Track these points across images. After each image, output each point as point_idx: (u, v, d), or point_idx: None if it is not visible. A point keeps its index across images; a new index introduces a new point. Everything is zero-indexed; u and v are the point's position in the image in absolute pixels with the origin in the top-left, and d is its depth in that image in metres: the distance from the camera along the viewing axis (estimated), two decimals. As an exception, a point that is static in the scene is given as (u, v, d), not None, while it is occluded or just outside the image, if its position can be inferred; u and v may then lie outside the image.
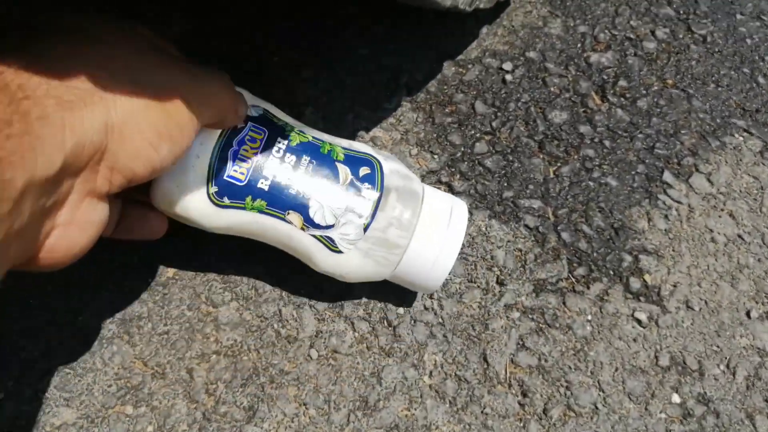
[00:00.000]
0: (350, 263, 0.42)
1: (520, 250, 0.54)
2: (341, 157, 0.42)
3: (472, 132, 0.60)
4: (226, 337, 0.48)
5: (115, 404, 0.46)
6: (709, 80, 0.67)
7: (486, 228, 0.55)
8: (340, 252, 0.42)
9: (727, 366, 0.50)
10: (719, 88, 0.66)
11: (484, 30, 0.68)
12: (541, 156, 0.59)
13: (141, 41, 0.33)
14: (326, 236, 0.41)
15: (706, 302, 0.53)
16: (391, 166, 0.44)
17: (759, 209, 0.59)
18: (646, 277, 0.53)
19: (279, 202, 0.40)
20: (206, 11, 0.63)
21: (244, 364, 0.47)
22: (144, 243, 0.50)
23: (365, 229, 0.41)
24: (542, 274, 0.53)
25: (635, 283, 0.53)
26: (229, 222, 0.41)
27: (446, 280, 0.52)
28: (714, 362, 0.50)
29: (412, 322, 0.50)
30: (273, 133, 0.41)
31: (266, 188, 0.40)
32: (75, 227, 0.30)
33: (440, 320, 0.50)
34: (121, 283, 0.50)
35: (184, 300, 0.50)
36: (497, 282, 0.52)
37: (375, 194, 0.42)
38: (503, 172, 0.58)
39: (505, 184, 0.57)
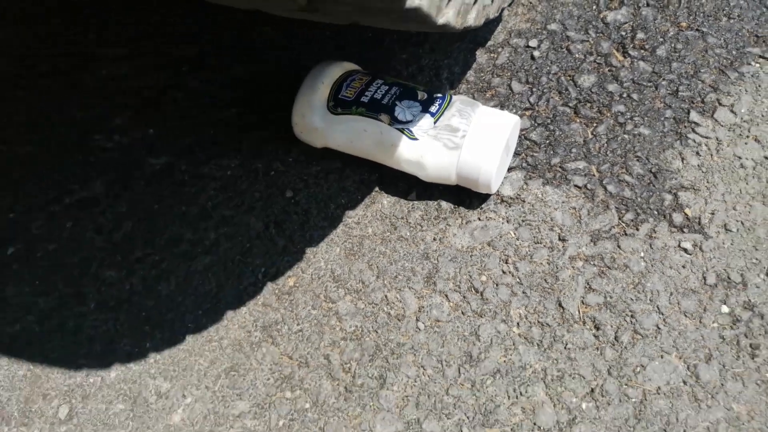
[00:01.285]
0: (424, 147, 0.59)
1: (574, 208, 0.63)
2: (421, 89, 0.62)
3: (514, 111, 0.69)
4: (349, 325, 0.60)
5: (275, 392, 0.58)
6: (720, 14, 0.73)
7: (542, 194, 0.64)
8: (416, 139, 0.59)
9: (766, 274, 0.59)
10: (731, 20, 0.72)
11: (506, 12, 0.75)
12: (578, 120, 0.68)
13: None
14: (407, 129, 0.59)
15: (742, 223, 0.61)
16: (461, 98, 0.62)
17: (781, 129, 0.66)
18: (687, 210, 0.62)
19: (374, 107, 0.61)
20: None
21: (368, 343, 0.59)
22: (265, 261, 0.62)
23: (435, 122, 0.59)
24: (596, 225, 0.62)
25: (678, 218, 0.62)
26: (340, 125, 0.61)
27: (516, 244, 0.62)
28: (755, 273, 0.59)
29: (495, 285, 0.61)
30: (374, 77, 0.63)
31: (366, 101, 0.61)
32: None
33: (518, 280, 0.60)
34: (255, 299, 0.62)
35: (307, 302, 0.62)
36: (559, 239, 0.62)
37: (443, 100, 0.60)
38: (547, 141, 0.67)
39: (552, 152, 0.66)
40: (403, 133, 0.59)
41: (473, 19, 0.54)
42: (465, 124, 0.58)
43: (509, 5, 0.71)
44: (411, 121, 0.59)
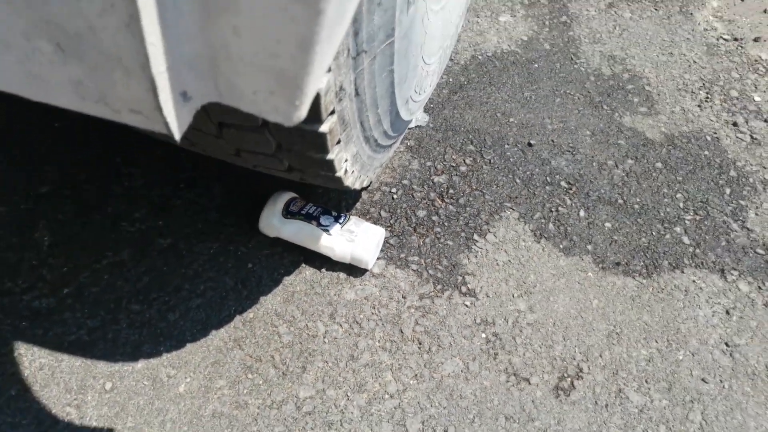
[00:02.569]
0: (335, 240, 1.09)
1: (411, 281, 1.16)
2: (333, 212, 1.11)
3: (382, 226, 1.22)
4: (285, 339, 1.06)
5: (241, 375, 1.02)
6: (492, 183, 1.33)
7: (394, 273, 1.16)
8: (331, 235, 1.09)
9: (504, 319, 1.14)
10: (498, 187, 1.33)
11: (379, 171, 1.31)
12: (416, 235, 1.22)
13: None
14: (326, 229, 1.08)
15: (495, 293, 1.17)
16: (354, 217, 1.11)
17: (519, 246, 1.25)
18: (469, 285, 1.17)
19: (309, 217, 1.10)
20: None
21: (296, 349, 1.05)
22: (235, 303, 1.08)
23: (341, 227, 1.11)
24: (422, 290, 1.15)
25: (464, 289, 1.16)
26: (290, 224, 1.11)
27: (379, 299, 1.12)
28: (501, 318, 1.14)
29: (367, 320, 1.10)
30: (307, 202, 1.12)
31: (304, 213, 1.12)
32: None
33: (380, 317, 1.11)
34: (229, 324, 1.07)
35: (261, 326, 1.07)
36: (402, 297, 1.14)
37: (345, 217, 1.12)
38: (399, 245, 1.20)
39: (400, 251, 1.20)
40: (324, 231, 1.10)
41: (363, 183, 1.08)
42: (357, 230, 1.10)
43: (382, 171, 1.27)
44: (328, 226, 1.11)
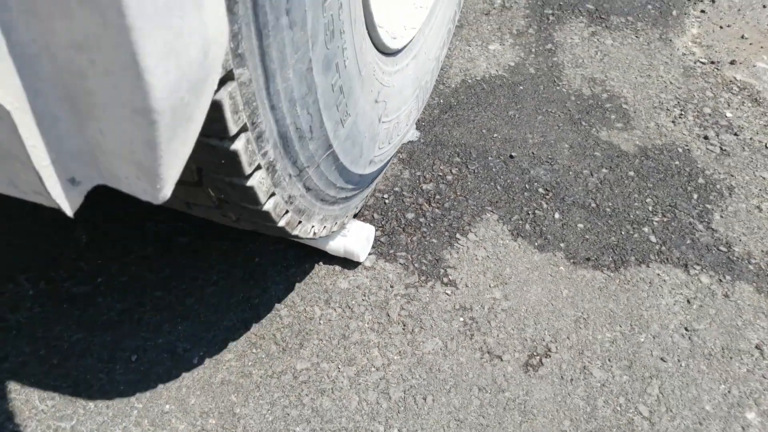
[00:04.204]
0: (332, 235, 1.22)
1: (398, 273, 1.31)
2: None
3: (373, 225, 1.38)
4: (286, 321, 1.22)
5: (247, 350, 1.17)
6: (474, 189, 1.48)
7: (383, 266, 1.32)
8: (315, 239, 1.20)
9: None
10: (480, 194, 1.48)
11: (377, 180, 1.48)
12: (404, 234, 1.38)
13: None
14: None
15: (474, 284, 1.31)
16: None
17: (497, 244, 1.39)
18: (450, 277, 1.32)
19: None
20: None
21: (295, 328, 1.21)
22: (245, 293, 1.24)
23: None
24: (408, 281, 1.30)
25: (446, 280, 1.31)
26: None
27: (369, 287, 1.28)
28: (465, 304, 1.28)
29: (358, 305, 1.25)
30: None
31: None
32: None
33: (369, 303, 1.26)
34: (247, 318, 1.23)
35: (278, 309, 1.23)
36: (390, 286, 1.29)
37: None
38: (388, 242, 1.36)
39: (389, 247, 1.35)
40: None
41: (332, 229, 1.24)
42: (349, 226, 1.26)
43: (355, 215, 1.43)
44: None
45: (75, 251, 1.31)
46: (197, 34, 0.49)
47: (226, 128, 0.66)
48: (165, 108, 0.46)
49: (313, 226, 1.03)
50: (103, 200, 1.41)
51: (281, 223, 0.90)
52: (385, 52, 1.11)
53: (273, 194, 0.84)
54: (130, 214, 1.38)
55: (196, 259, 1.31)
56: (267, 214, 0.85)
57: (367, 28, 0.99)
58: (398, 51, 1.16)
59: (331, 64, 0.84)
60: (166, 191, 0.51)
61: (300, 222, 0.97)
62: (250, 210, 0.84)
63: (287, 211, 0.91)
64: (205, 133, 0.66)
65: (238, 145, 0.70)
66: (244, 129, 0.69)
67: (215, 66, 0.54)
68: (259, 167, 0.77)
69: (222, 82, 0.62)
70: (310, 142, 0.86)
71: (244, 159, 0.72)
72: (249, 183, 0.76)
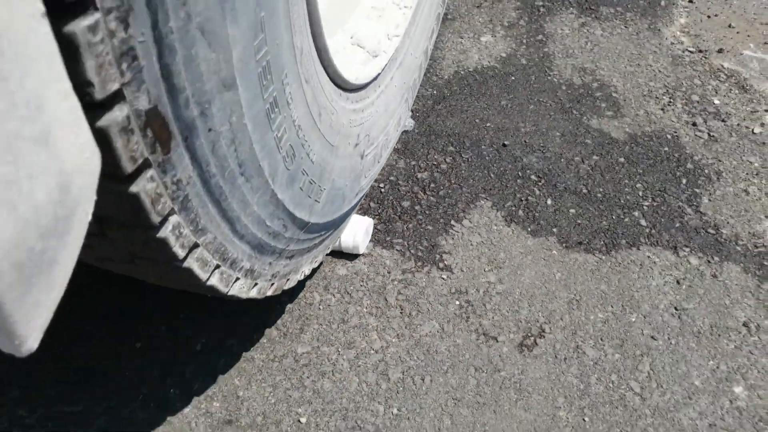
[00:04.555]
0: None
1: (395, 259, 1.34)
2: None
3: (371, 216, 1.41)
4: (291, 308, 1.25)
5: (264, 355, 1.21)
6: (470, 179, 1.52)
7: (380, 253, 1.35)
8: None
9: (476, 289, 1.31)
10: (474, 182, 1.51)
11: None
12: (400, 222, 1.41)
13: None
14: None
15: (469, 268, 1.34)
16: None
17: (492, 230, 1.42)
18: (446, 262, 1.35)
19: None
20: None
21: (295, 314, 1.24)
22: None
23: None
24: (405, 266, 1.33)
25: (441, 265, 1.34)
26: None
27: (367, 274, 1.31)
28: (474, 289, 1.31)
29: (356, 290, 1.28)
30: None
31: None
32: None
33: (367, 288, 1.29)
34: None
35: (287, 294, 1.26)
36: (387, 272, 1.32)
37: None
38: (385, 230, 1.39)
39: (386, 235, 1.38)
40: None
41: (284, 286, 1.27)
42: (349, 221, 1.30)
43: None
44: None
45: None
46: (46, 173, 0.44)
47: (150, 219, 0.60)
48: (3, 269, 0.42)
49: (270, 285, 0.97)
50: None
51: (230, 290, 0.83)
52: (363, 85, 1.08)
53: (256, 285, 0.86)
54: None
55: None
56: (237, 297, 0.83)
57: (335, 85, 0.95)
58: (378, 75, 1.14)
59: (296, 178, 0.83)
60: (30, 344, 0.47)
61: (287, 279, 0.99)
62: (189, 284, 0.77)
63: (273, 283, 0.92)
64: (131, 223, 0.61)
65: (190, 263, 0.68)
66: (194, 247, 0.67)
67: (84, 197, 0.49)
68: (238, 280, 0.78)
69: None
70: (286, 232, 0.85)
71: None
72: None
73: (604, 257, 1.38)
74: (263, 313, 1.24)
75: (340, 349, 1.20)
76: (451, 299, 1.28)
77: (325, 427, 1.10)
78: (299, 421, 1.10)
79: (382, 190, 1.48)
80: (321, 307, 1.26)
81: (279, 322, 1.23)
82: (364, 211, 1.43)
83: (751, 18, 2.10)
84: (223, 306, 1.25)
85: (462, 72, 1.83)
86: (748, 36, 2.03)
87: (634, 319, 1.27)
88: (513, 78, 1.82)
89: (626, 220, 1.45)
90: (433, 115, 1.68)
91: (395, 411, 1.12)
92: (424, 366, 1.18)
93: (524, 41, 1.95)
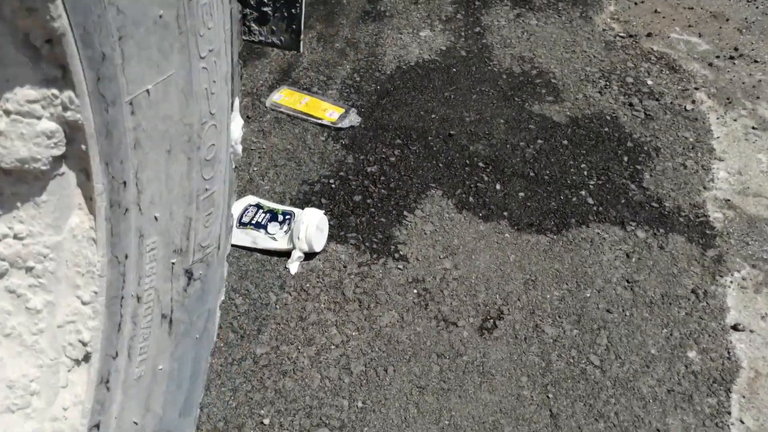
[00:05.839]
0: (280, 243, 1.24)
1: (350, 254, 1.33)
2: (280, 212, 1.25)
3: (323, 211, 1.39)
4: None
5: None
6: (419, 169, 1.52)
7: (335, 248, 1.33)
8: (276, 240, 1.23)
9: (435, 277, 1.31)
10: (423, 172, 1.51)
11: (318, 165, 1.49)
12: (352, 216, 1.40)
13: None
14: (272, 236, 1.22)
15: (424, 257, 1.34)
16: (297, 211, 1.25)
17: (444, 218, 1.43)
18: (401, 252, 1.34)
19: (257, 226, 1.24)
20: None
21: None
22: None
23: (285, 232, 1.24)
24: (361, 259, 1.32)
25: (396, 255, 1.33)
26: (242, 233, 1.24)
27: (322, 269, 1.29)
28: (430, 277, 1.30)
29: (312, 287, 1.26)
30: (259, 208, 1.22)
31: (254, 222, 1.24)
32: None
33: (323, 284, 1.27)
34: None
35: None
36: (343, 266, 1.30)
37: (291, 218, 1.26)
38: (338, 225, 1.37)
39: (340, 229, 1.37)
40: (271, 239, 1.29)
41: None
42: (300, 229, 1.26)
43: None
44: (275, 233, 1.29)
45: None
46: None
47: None
48: None
49: None
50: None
51: None
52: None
53: None
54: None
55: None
56: None
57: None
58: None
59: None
60: None
61: None
62: None
63: None
64: None
65: None
66: None
67: None
68: None
69: None
70: None
71: None
72: None
73: (555, 237, 1.40)
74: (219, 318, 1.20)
75: (300, 347, 1.17)
76: (408, 288, 1.28)
77: (289, 427, 1.07)
78: (262, 423, 1.07)
79: (332, 185, 1.46)
80: (278, 306, 1.23)
81: (235, 324, 1.19)
82: (315, 207, 1.41)
83: (674, 3, 2.19)
84: (175, 313, 1.20)
85: (404, 66, 1.83)
86: (674, 20, 2.11)
87: (589, 295, 1.30)
88: (454, 70, 1.83)
89: (574, 199, 1.48)
90: (379, 109, 1.68)
91: (360, 404, 1.10)
92: (387, 357, 1.17)
93: (463, 34, 1.98)
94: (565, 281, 1.32)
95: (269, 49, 1.89)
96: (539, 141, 1.62)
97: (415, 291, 1.27)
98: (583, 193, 1.50)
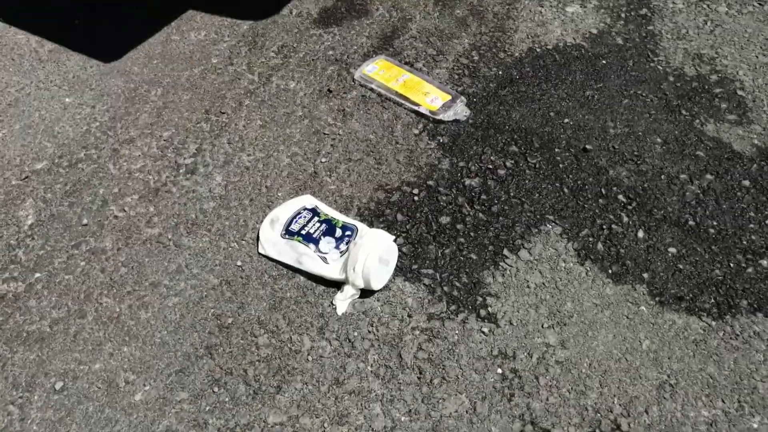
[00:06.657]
0: (332, 269, 0.95)
1: (420, 297, 0.98)
2: (340, 224, 0.97)
3: (395, 233, 1.06)
4: (263, 352, 0.92)
5: (207, 389, 0.88)
6: (535, 192, 1.13)
7: (402, 286, 0.99)
8: (327, 263, 0.94)
9: (527, 354, 0.94)
10: (540, 197, 1.13)
11: (403, 166, 1.14)
12: (434, 244, 1.05)
13: None
14: (323, 256, 0.94)
15: (519, 320, 0.97)
16: (362, 228, 0.97)
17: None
18: (489, 309, 0.98)
19: (308, 238, 0.95)
20: None
21: (273, 365, 0.90)
22: (214, 306, 0.94)
23: (341, 255, 0.95)
24: (432, 310, 0.97)
25: (482, 312, 0.97)
26: (287, 245, 0.96)
27: (380, 315, 0.96)
28: (521, 352, 0.94)
29: (362, 339, 0.94)
30: (314, 215, 0.96)
31: (304, 233, 0.95)
32: None
33: (377, 337, 0.94)
34: (204, 328, 0.93)
35: (238, 335, 0.93)
36: (408, 315, 0.96)
37: (352, 233, 0.97)
38: (412, 254, 1.03)
39: (413, 261, 1.02)
40: (322, 259, 0.97)
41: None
42: (359, 256, 0.93)
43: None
44: (327, 253, 0.97)
45: (15, 235, 1.04)
46: None
47: None
48: None
49: None
50: (65, 172, 1.13)
51: None
52: None
53: None
54: (93, 191, 1.10)
55: (163, 258, 1.02)
56: None
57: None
58: None
59: None
60: None
61: None
62: None
63: None
64: None
65: None
66: None
67: None
68: None
69: None
70: None
71: None
72: None
73: (714, 323, 0.98)
74: (232, 358, 0.91)
75: (326, 425, 0.86)
76: (491, 365, 0.92)
77: None
78: None
79: (416, 197, 1.12)
80: (310, 357, 0.92)
81: (250, 372, 0.90)
82: (388, 225, 1.07)
83: None
84: (182, 341, 0.92)
85: (538, 49, 1.42)
86: None
87: (756, 426, 0.88)
88: (604, 62, 1.40)
89: (749, 270, 1.04)
90: (495, 102, 1.30)
91: None
92: (442, 464, 0.83)
93: (623, 15, 1.52)
94: (721, 396, 0.90)
95: (373, 7, 1.54)
96: (708, 176, 1.18)
97: (499, 371, 0.91)
98: (765, 263, 1.05)
